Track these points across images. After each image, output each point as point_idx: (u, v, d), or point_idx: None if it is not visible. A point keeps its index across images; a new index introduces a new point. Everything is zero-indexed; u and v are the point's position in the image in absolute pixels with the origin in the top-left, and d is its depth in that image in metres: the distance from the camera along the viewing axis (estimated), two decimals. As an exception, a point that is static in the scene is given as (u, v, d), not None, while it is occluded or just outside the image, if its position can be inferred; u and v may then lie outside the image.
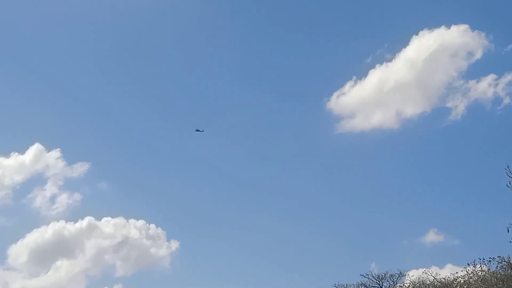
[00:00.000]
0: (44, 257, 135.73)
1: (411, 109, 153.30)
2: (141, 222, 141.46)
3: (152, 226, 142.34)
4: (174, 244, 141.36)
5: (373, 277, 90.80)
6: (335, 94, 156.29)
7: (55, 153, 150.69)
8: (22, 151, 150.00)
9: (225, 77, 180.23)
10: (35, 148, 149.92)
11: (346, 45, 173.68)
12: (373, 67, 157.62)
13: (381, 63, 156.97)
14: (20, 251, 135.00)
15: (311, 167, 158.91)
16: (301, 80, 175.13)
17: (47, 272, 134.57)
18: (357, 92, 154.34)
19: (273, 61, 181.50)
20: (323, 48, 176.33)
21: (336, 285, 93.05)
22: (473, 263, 72.43)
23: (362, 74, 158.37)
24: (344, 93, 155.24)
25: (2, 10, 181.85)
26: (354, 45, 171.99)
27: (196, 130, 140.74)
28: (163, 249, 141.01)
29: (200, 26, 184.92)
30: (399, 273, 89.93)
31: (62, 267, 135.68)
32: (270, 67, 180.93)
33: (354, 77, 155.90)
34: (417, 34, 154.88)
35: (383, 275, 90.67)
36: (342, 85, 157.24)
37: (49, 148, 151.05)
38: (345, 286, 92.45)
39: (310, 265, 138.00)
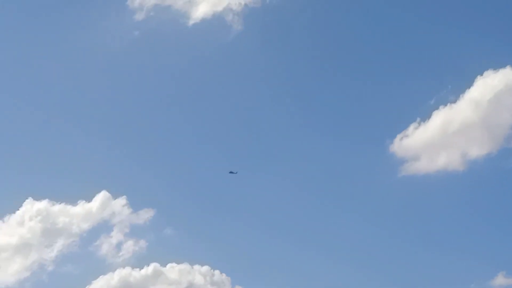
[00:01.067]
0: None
1: (477, 151, 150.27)
2: (205, 268, 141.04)
3: (217, 272, 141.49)
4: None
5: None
6: (398, 137, 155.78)
7: (121, 201, 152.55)
8: (89, 199, 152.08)
9: (286, 120, 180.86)
10: (102, 195, 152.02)
11: (408, 87, 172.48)
12: (436, 108, 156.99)
13: (445, 105, 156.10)
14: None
15: (375, 210, 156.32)
16: (363, 123, 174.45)
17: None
18: (421, 134, 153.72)
19: (335, 103, 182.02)
20: (385, 91, 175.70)
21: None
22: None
23: (425, 116, 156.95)
24: (407, 136, 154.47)
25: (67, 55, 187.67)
26: (416, 87, 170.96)
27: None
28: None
29: (263, 70, 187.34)
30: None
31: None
32: (332, 109, 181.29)
33: (418, 119, 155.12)
34: (481, 74, 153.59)
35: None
36: (405, 127, 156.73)
37: (115, 196, 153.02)
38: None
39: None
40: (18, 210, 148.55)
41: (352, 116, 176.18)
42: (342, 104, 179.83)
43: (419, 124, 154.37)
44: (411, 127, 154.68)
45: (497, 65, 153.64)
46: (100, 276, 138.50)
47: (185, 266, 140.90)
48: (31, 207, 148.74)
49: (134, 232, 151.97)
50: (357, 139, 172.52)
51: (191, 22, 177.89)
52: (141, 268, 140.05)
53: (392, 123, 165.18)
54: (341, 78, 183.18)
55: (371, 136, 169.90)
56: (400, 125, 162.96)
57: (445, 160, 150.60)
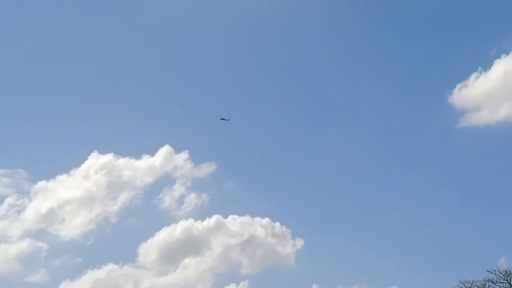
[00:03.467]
0: (173, 255, 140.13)
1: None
2: (266, 220, 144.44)
3: (277, 224, 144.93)
4: (299, 242, 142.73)
5: (500, 272, 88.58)
6: (457, 87, 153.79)
7: (184, 155, 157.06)
8: (152, 153, 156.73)
9: (347, 74, 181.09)
10: (165, 150, 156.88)
11: (469, 36, 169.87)
12: (498, 57, 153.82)
13: (507, 54, 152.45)
14: (150, 249, 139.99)
15: (434, 163, 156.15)
16: (422, 74, 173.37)
17: (175, 270, 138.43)
18: (481, 84, 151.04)
19: (394, 54, 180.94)
20: (445, 40, 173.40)
21: (462, 282, 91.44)
22: None
23: (486, 66, 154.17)
24: (466, 86, 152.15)
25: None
26: (478, 36, 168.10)
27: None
28: (288, 247, 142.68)
29: (325, 31, 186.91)
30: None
31: (190, 265, 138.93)
32: (391, 60, 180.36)
33: (479, 68, 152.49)
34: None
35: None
36: (465, 77, 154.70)
37: (178, 150, 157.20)
38: (471, 282, 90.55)
39: (434, 262, 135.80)
40: (84, 163, 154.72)
41: (412, 67, 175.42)
42: (401, 54, 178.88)
43: (480, 73, 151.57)
44: (472, 77, 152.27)
45: None
46: (164, 228, 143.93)
47: (246, 219, 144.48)
48: (96, 161, 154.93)
49: (196, 185, 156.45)
50: (415, 90, 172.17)
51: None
52: (203, 220, 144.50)
53: (451, 73, 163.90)
54: (401, 29, 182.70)
55: (429, 87, 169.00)
56: (460, 75, 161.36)
57: (507, 110, 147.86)
